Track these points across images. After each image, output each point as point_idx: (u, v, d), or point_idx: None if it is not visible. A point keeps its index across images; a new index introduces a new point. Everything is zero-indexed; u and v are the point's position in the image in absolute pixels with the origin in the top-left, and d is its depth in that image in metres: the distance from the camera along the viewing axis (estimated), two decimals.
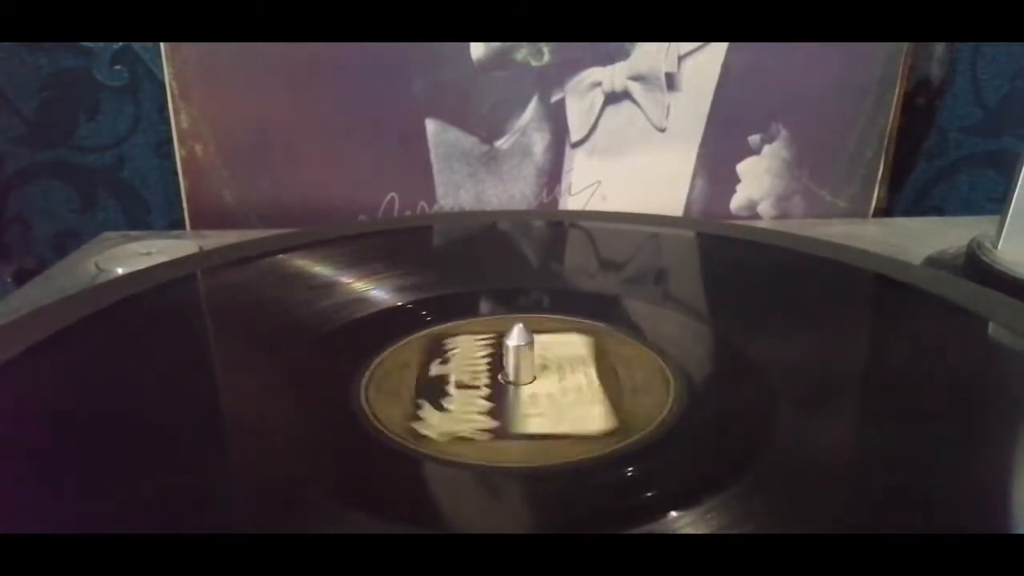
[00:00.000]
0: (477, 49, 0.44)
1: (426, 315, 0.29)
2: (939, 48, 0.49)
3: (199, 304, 0.31)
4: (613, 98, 0.45)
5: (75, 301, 0.28)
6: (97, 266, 0.36)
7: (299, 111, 0.44)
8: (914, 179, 0.52)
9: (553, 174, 0.46)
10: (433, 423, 0.22)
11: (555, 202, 0.47)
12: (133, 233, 0.44)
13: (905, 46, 0.44)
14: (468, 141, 0.45)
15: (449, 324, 0.28)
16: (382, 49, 0.43)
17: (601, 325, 0.28)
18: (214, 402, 0.24)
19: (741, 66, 0.44)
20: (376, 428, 0.22)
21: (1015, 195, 0.33)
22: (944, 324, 0.27)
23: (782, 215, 0.47)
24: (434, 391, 0.24)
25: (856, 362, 0.27)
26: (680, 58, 0.44)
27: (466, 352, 0.26)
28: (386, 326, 0.28)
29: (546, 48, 0.44)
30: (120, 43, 0.46)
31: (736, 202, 0.47)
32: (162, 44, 0.42)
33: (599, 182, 0.46)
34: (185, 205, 0.45)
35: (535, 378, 0.24)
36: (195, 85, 0.43)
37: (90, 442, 0.21)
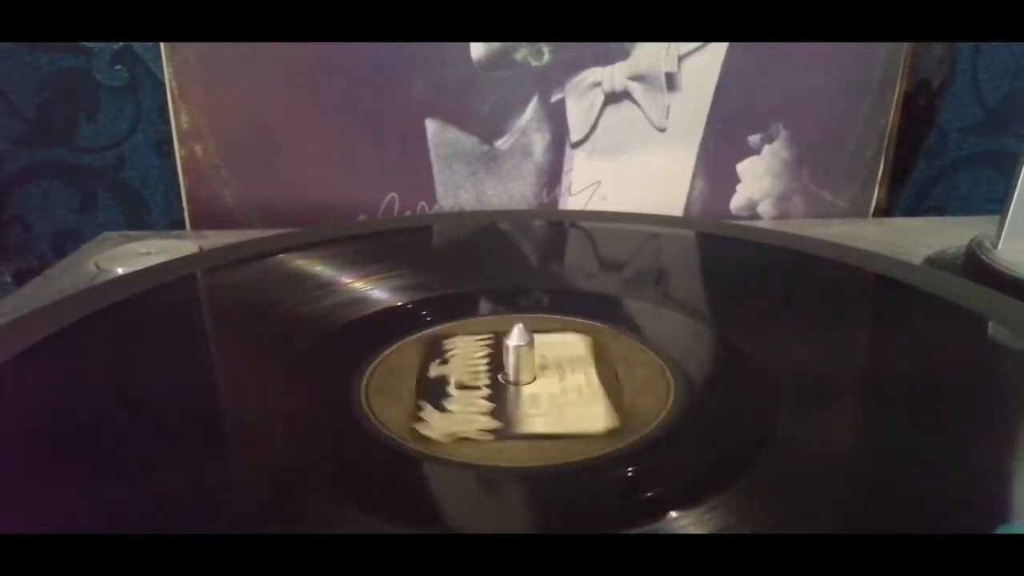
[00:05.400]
0: (477, 49, 0.44)
1: (426, 315, 0.29)
2: (939, 48, 0.49)
3: (199, 304, 0.31)
4: (613, 98, 0.45)
5: (75, 301, 0.28)
6: (97, 266, 0.36)
7: (299, 111, 0.44)
8: (914, 179, 0.52)
9: (553, 174, 0.46)
10: (435, 424, 0.22)
11: (555, 202, 0.47)
12: (133, 233, 0.44)
13: (905, 46, 0.44)
14: (468, 141, 0.45)
15: (448, 324, 0.28)
16: (382, 49, 0.43)
17: (599, 324, 0.28)
18: (214, 402, 0.24)
19: (741, 66, 0.44)
20: (376, 428, 0.22)
21: (1015, 195, 0.33)
22: (944, 324, 0.27)
23: (782, 215, 0.47)
24: (435, 392, 0.24)
25: (856, 362, 0.27)
26: (680, 58, 0.44)
27: (465, 352, 0.26)
28: (386, 326, 0.28)
29: (546, 48, 0.44)
30: (120, 43, 0.46)
31: (736, 202, 0.47)
32: (162, 44, 0.42)
33: (599, 182, 0.46)
34: (185, 205, 0.45)
35: (535, 378, 0.24)
36: (195, 85, 0.43)
37: (90, 442, 0.21)
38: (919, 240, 0.40)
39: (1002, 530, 0.16)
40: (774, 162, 0.46)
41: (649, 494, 0.19)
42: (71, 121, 0.47)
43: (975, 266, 0.33)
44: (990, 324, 0.27)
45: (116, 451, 0.20)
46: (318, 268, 0.32)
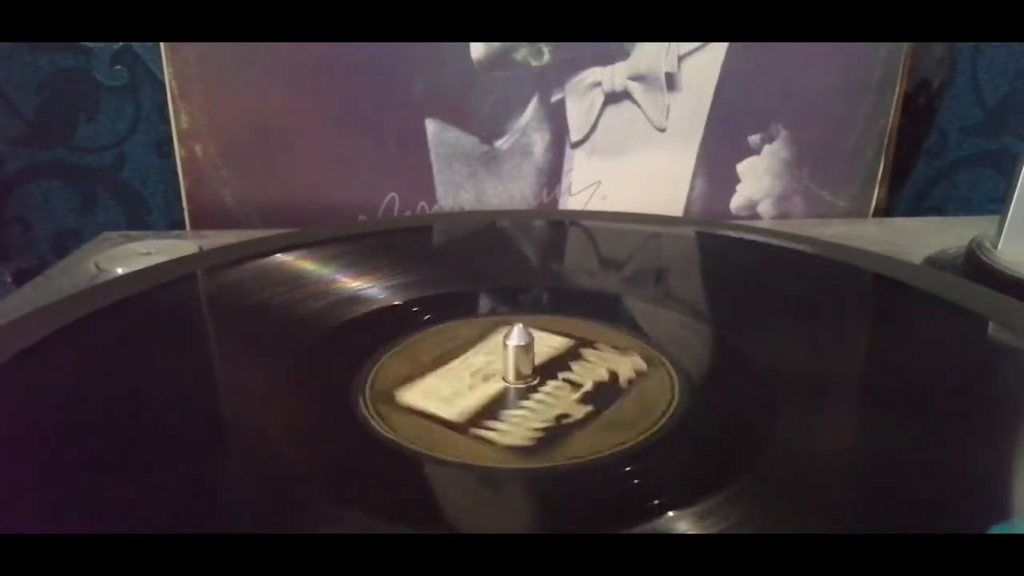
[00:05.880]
0: (477, 49, 0.44)
1: (426, 315, 0.29)
2: (939, 48, 0.49)
3: (199, 304, 0.31)
4: (613, 98, 0.45)
5: (75, 301, 0.28)
6: (97, 266, 0.36)
7: (299, 111, 0.44)
8: (914, 179, 0.52)
9: (553, 174, 0.46)
10: (498, 433, 0.22)
11: (555, 202, 0.47)
12: (133, 233, 0.44)
13: (905, 46, 0.44)
14: (468, 141, 0.45)
15: (448, 324, 0.28)
16: (382, 49, 0.43)
17: (598, 324, 0.28)
18: (214, 402, 0.24)
19: (741, 66, 0.44)
20: (377, 428, 0.22)
21: (1015, 195, 0.33)
22: (944, 324, 0.27)
23: (782, 215, 0.47)
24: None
25: (856, 362, 0.27)
26: (680, 58, 0.44)
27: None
28: (385, 326, 0.28)
29: (546, 48, 0.44)
30: (120, 43, 0.46)
31: (736, 202, 0.47)
32: (162, 44, 0.42)
33: (599, 182, 0.46)
34: (185, 205, 0.45)
35: (535, 377, 0.24)
36: (195, 85, 0.43)
37: (90, 442, 0.21)
38: (919, 240, 0.40)
39: (996, 529, 0.16)
40: (774, 162, 0.46)
41: (649, 493, 0.19)
42: (71, 121, 0.47)
43: (975, 266, 0.33)
44: (990, 324, 0.27)
45: (116, 451, 0.20)
46: (318, 268, 0.32)
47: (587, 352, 0.26)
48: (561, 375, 0.25)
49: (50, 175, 0.48)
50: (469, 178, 0.46)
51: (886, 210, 0.48)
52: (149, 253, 0.37)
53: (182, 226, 0.46)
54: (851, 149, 0.46)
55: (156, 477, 0.19)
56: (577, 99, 0.45)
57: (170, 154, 0.45)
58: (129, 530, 0.17)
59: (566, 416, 0.22)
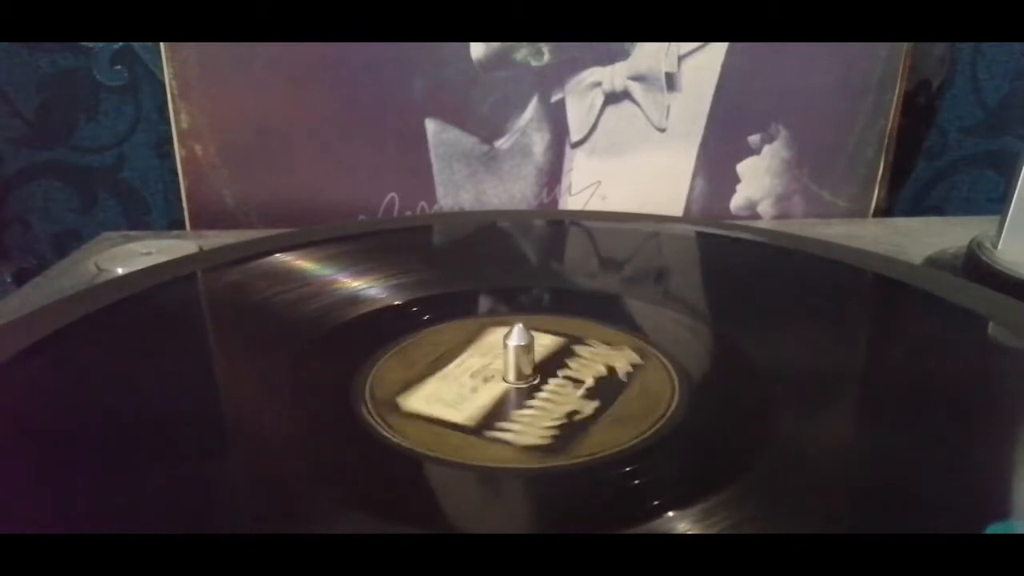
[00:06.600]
0: (477, 49, 0.44)
1: (426, 315, 0.29)
2: (939, 48, 0.49)
3: (199, 304, 0.31)
4: (613, 98, 0.45)
5: (75, 301, 0.28)
6: (97, 266, 0.36)
7: (299, 111, 0.44)
8: (914, 179, 0.52)
9: (553, 174, 0.46)
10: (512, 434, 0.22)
11: (555, 202, 0.47)
12: (133, 233, 0.44)
13: (905, 46, 0.44)
14: (468, 141, 0.45)
15: (447, 324, 0.28)
16: (382, 49, 0.43)
17: (600, 325, 0.28)
18: (214, 402, 0.24)
19: (741, 66, 0.44)
20: (377, 428, 0.22)
21: (1015, 195, 0.33)
22: (944, 324, 0.27)
23: (782, 215, 0.47)
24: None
25: (856, 362, 0.27)
26: (680, 58, 0.44)
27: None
28: (385, 326, 0.28)
29: (546, 48, 0.44)
30: (120, 43, 0.46)
31: (736, 202, 0.47)
32: (162, 44, 0.42)
33: (599, 182, 0.46)
34: (185, 205, 0.45)
35: (535, 377, 0.24)
36: (195, 85, 0.43)
37: (90, 442, 0.21)
38: (919, 240, 0.40)
39: (993, 529, 0.16)
40: (774, 162, 0.46)
41: (649, 493, 0.19)
42: (71, 121, 0.47)
43: (975, 266, 0.33)
44: (990, 324, 0.27)
45: (116, 451, 0.20)
46: (318, 268, 0.32)
47: (585, 350, 0.26)
48: (561, 373, 0.25)
49: (50, 175, 0.48)
50: (469, 178, 0.46)
51: (886, 210, 0.48)
52: (149, 253, 0.37)
53: (182, 226, 0.46)
54: (851, 149, 0.46)
55: (156, 477, 0.19)
56: (577, 99, 0.45)
57: (170, 154, 0.45)
58: (129, 530, 0.17)
59: (577, 412, 0.22)
